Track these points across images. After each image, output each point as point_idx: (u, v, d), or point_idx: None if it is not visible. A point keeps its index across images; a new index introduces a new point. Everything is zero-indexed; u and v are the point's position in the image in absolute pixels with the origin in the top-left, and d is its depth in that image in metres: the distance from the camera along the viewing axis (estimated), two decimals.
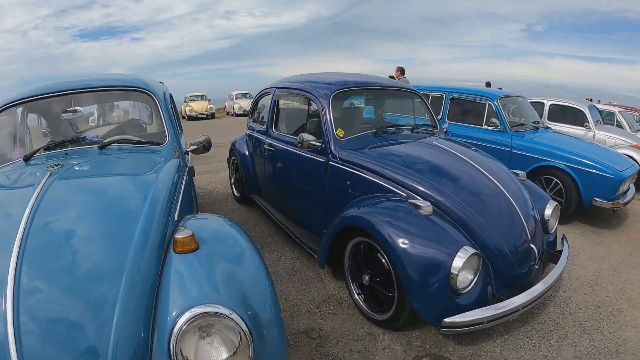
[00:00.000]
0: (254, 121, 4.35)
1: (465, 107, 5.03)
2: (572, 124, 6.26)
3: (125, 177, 1.86)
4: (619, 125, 7.34)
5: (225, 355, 1.02)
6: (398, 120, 3.96)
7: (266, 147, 3.79)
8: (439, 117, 5.23)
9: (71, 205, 1.44)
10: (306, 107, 3.19)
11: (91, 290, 1.04)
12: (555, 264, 2.44)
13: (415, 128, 3.28)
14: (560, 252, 2.55)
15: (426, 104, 3.58)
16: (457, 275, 1.78)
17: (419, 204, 2.03)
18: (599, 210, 4.16)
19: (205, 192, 5.46)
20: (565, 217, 4.16)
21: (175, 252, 1.23)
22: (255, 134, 4.12)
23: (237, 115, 18.71)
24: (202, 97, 19.06)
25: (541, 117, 6.53)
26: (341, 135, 2.79)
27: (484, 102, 4.75)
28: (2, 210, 1.43)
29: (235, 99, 19.51)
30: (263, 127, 3.88)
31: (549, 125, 6.41)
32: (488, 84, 10.22)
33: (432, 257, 1.85)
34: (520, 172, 2.91)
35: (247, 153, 4.37)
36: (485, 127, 4.67)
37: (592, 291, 2.84)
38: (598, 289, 2.88)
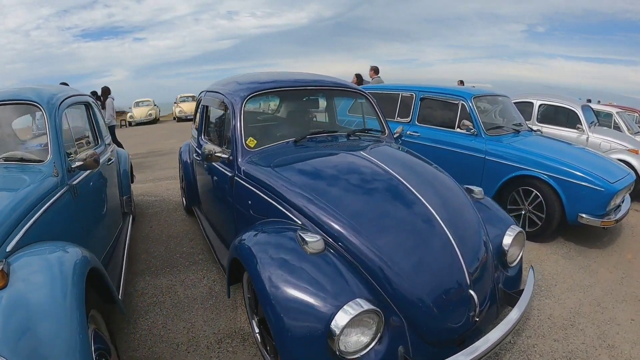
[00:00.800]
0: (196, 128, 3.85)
1: (437, 107, 4.45)
2: (564, 126, 5.65)
3: None
4: (617, 127, 6.70)
5: None
6: (354, 122, 3.41)
7: (195, 156, 3.27)
8: (409, 120, 4.66)
9: None
10: (224, 112, 2.67)
11: None
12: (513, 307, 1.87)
13: (352, 134, 2.74)
14: (522, 291, 1.97)
15: (373, 105, 3.03)
16: (339, 335, 1.31)
17: (307, 239, 1.53)
18: (587, 226, 3.56)
19: (159, 200, 5.00)
20: (546, 236, 3.58)
21: None
22: (192, 142, 3.62)
23: (180, 120, 17.69)
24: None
25: (530, 119, 5.94)
26: (252, 146, 2.32)
27: (457, 102, 4.18)
28: None
29: (180, 102, 18.43)
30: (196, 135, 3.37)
31: (538, 128, 5.82)
32: (461, 83, 9.43)
33: (309, 310, 1.38)
34: (476, 189, 2.34)
35: (188, 161, 3.88)
36: (458, 130, 4.08)
37: (564, 336, 2.26)
38: (573, 333, 2.29)
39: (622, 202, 3.64)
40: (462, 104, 4.12)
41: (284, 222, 1.79)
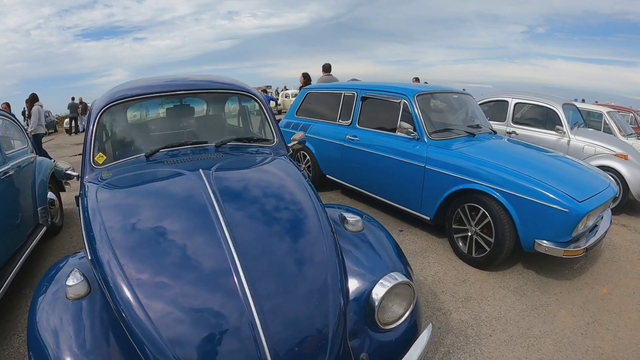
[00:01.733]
0: None
1: (378, 108, 3.76)
2: (542, 128, 4.88)
3: None
4: (607, 129, 5.88)
5: None
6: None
7: None
8: (349, 122, 3.98)
9: None
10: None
11: None
12: None
13: (223, 145, 2.16)
14: None
15: (262, 108, 2.40)
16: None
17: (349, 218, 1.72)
18: None
19: None
20: (497, 263, 2.84)
21: None
22: None
23: None
24: None
25: (504, 119, 5.20)
26: (100, 162, 2.02)
27: (398, 101, 3.48)
28: None
29: None
30: None
31: (513, 130, 5.08)
32: (416, 80, 8.65)
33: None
34: (352, 218, 1.77)
35: None
36: (398, 133, 3.38)
37: None
38: None
39: (596, 227, 2.87)
40: (403, 102, 3.43)
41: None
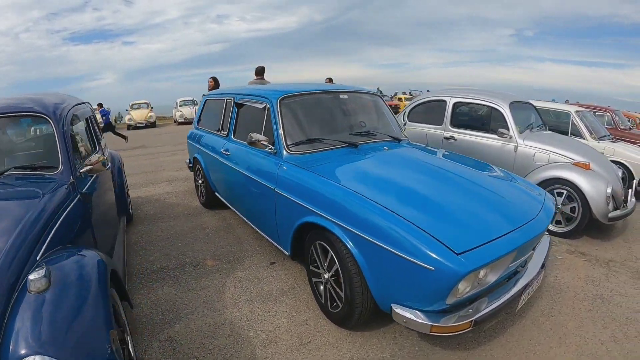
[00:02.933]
0: None
1: (249, 115, 2.91)
2: (485, 132, 3.96)
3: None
4: (576, 132, 4.92)
5: None
6: None
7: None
8: (226, 133, 3.15)
9: None
10: None
11: None
12: None
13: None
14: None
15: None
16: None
17: None
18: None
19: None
20: (355, 323, 1.93)
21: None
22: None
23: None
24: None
25: (441, 123, 4.30)
26: None
27: (263, 106, 2.63)
28: None
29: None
30: None
31: (451, 135, 4.17)
32: (329, 80, 7.53)
33: None
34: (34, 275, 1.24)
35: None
36: (261, 146, 2.51)
37: None
38: None
39: (483, 302, 1.89)
40: (267, 108, 2.57)
41: None
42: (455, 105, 4.22)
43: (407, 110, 4.77)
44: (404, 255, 1.53)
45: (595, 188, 3.24)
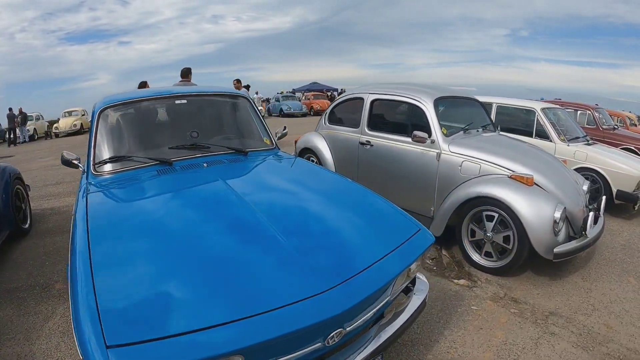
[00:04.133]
0: None
1: None
2: (403, 135, 3.05)
3: None
4: (541, 132, 3.97)
5: None
6: None
7: None
8: None
9: None
10: None
11: None
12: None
13: None
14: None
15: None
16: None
17: None
18: None
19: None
20: None
21: None
22: None
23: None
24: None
25: (357, 125, 3.42)
26: None
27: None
28: None
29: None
30: None
31: (367, 140, 3.29)
32: (238, 82, 7.25)
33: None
34: None
35: None
36: None
37: None
38: None
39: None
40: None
41: None
42: (374, 103, 3.33)
43: (328, 111, 3.91)
44: None
45: (536, 210, 2.31)
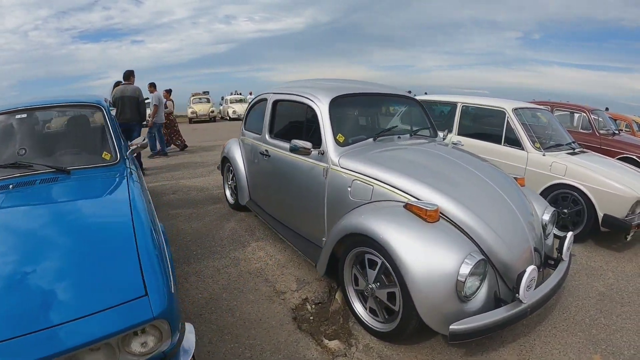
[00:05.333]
0: None
1: None
2: (301, 138, 2.35)
3: None
4: (512, 138, 3.09)
5: None
6: None
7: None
8: None
9: None
10: None
11: None
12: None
13: None
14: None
15: None
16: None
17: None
18: None
19: None
20: None
21: None
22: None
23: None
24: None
25: (260, 132, 2.79)
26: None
27: None
28: None
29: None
30: None
31: (266, 149, 2.64)
32: (167, 93, 7.07)
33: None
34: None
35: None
36: None
37: None
38: None
39: None
40: None
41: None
42: (276, 105, 2.65)
43: (245, 114, 3.27)
44: None
45: (429, 260, 1.54)
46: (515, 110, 3.18)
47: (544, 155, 2.96)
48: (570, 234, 2.00)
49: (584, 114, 4.51)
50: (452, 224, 1.70)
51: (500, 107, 3.25)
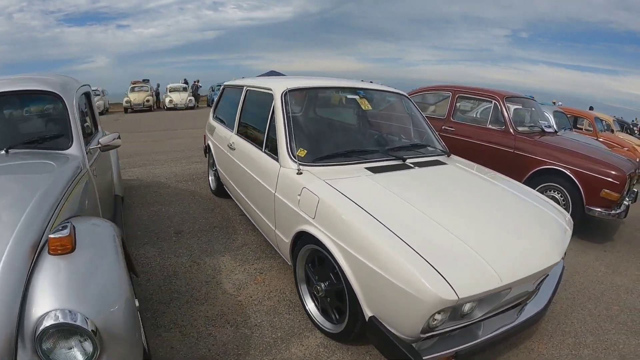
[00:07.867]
0: None
1: None
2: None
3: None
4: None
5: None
6: None
7: None
8: None
9: None
10: None
11: None
12: None
13: None
14: None
15: None
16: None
17: None
18: None
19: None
20: None
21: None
22: None
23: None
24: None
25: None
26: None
27: None
28: None
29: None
30: None
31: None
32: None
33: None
34: None
35: None
36: None
37: None
38: None
39: None
40: None
41: None
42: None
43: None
44: None
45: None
46: (497, 103, 2.91)
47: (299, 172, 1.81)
48: None
49: (496, 102, 3.19)
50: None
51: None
